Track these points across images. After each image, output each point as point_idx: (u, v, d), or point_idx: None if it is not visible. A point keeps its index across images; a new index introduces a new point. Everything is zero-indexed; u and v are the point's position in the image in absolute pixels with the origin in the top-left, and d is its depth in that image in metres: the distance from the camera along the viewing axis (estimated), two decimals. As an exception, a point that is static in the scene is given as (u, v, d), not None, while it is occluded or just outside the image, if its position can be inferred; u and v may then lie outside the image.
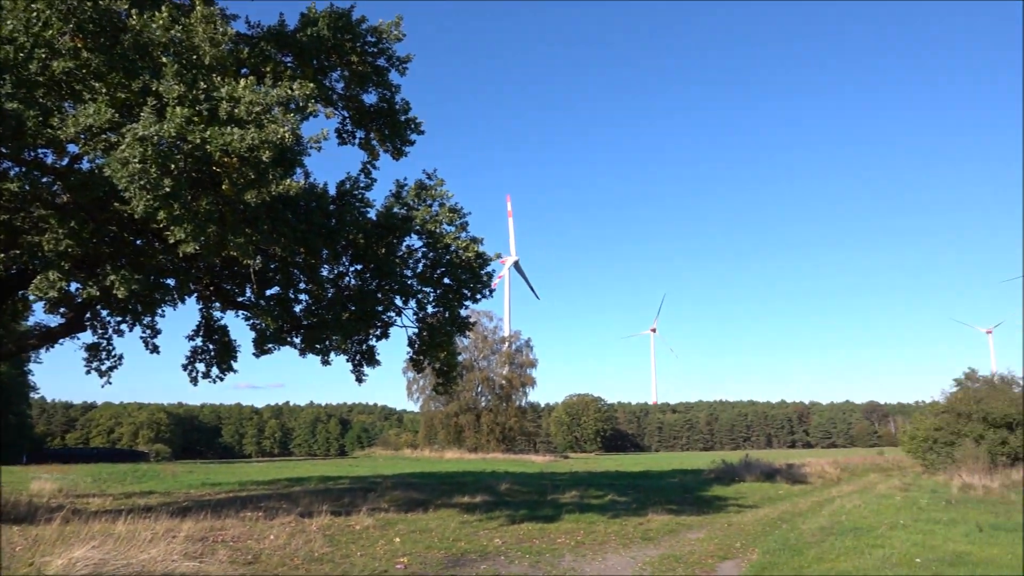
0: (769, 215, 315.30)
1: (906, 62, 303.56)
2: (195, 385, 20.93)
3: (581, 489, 28.11)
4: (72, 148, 13.90)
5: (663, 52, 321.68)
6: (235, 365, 20.61)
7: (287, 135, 11.35)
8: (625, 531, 17.30)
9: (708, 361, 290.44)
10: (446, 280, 19.59)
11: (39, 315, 20.76)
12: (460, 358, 22.61)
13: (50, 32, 11.64)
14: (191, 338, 20.77)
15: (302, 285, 19.17)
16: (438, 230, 18.96)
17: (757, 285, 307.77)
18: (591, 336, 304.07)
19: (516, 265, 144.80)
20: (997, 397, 35.45)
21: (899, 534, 14.77)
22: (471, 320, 21.71)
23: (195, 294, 19.66)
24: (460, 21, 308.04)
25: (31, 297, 19.03)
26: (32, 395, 79.03)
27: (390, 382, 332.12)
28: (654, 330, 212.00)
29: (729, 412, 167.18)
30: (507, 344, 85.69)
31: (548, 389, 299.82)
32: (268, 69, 16.01)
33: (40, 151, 14.28)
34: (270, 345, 18.88)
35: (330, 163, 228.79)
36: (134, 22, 11.97)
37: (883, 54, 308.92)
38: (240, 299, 20.02)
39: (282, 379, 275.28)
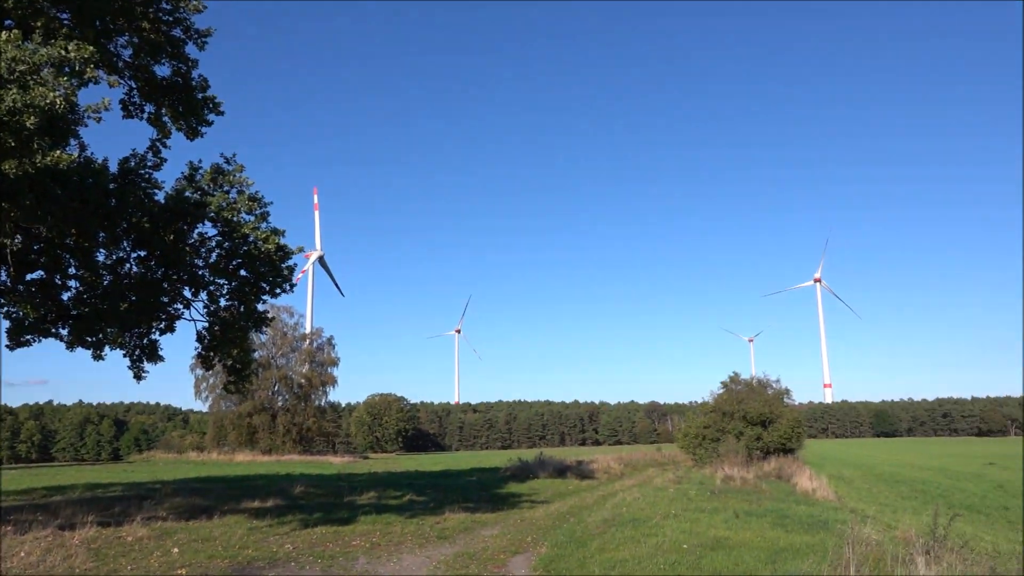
0: (566, 221, 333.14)
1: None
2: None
3: (379, 490, 27.77)
4: None
5: (489, 41, 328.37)
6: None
7: (59, 100, 10.07)
8: (422, 531, 17.32)
9: (509, 363, 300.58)
10: (242, 272, 18.46)
11: None
12: (256, 355, 21.37)
13: None
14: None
15: (72, 271, 17.13)
16: (235, 218, 17.82)
17: (557, 291, 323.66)
18: (396, 335, 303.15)
19: (321, 260, 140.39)
20: (755, 398, 40.02)
21: (671, 523, 16.12)
22: (269, 315, 20.67)
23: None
24: (278, 5, 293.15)
25: None
26: None
27: (174, 380, 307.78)
28: (459, 331, 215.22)
29: (527, 412, 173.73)
30: (308, 341, 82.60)
31: (350, 388, 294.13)
32: (39, 24, 14.11)
33: None
34: (28, 336, 16.65)
35: (115, 139, 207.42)
36: None
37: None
38: (-8, 283, 17.48)
39: (45, 375, 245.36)
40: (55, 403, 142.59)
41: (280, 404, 78.87)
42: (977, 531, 18.19)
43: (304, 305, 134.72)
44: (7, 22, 14.19)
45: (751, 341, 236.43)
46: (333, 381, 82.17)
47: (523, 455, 50.44)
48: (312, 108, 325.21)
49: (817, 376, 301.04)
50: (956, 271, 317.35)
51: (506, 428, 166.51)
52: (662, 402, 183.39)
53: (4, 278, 16.73)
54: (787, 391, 43.11)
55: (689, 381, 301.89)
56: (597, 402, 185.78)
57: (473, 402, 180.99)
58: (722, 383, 43.46)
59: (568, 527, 17.71)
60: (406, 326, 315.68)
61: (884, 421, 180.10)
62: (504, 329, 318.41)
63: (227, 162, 18.14)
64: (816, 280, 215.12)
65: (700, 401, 50.02)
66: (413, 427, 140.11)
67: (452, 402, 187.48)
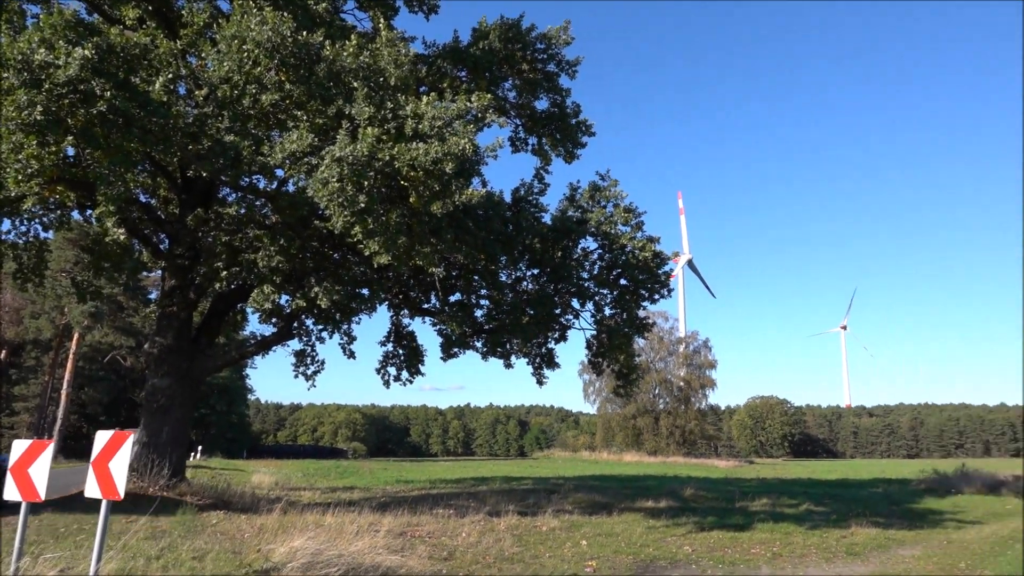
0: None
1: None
2: (387, 388, 22.34)
3: (772, 497, 26.65)
4: (279, 172, 15.28)
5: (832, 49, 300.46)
6: (422, 368, 21.70)
7: (467, 146, 11.74)
8: (826, 544, 16.11)
9: (907, 360, 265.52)
10: (623, 281, 19.39)
11: (253, 325, 23.16)
12: (637, 360, 22.25)
13: (258, 69, 12.88)
14: (383, 344, 22.13)
15: (483, 291, 19.80)
16: (613, 231, 18.83)
17: (953, 275, 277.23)
18: (773, 335, 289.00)
19: (690, 263, 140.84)
20: None
21: None
22: (649, 321, 21.32)
23: (386, 303, 20.94)
24: (624, 19, 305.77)
25: (248, 309, 21.22)
26: (249, 397, 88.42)
27: (565, 384, 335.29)
28: (844, 327, 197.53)
29: (937, 416, 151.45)
30: (684, 345, 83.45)
31: (729, 391, 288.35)
32: (445, 85, 16.74)
33: (254, 177, 15.84)
34: (456, 349, 19.65)
35: (504, 171, 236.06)
36: (327, 52, 12.95)
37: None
38: (426, 306, 21.06)
39: (462, 381, 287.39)
40: (472, 405, 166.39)
41: (661, 407, 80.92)
42: None
43: (676, 309, 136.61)
44: (422, 88, 17.10)
45: None
46: (712, 384, 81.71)
47: (937, 466, 44.01)
48: (674, 116, 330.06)
49: None
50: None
51: (911, 434, 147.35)
52: None
53: (435, 302, 20.07)
54: None
55: None
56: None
57: (868, 405, 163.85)
58: None
59: (1014, 554, 14.88)
60: (783, 325, 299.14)
61: None
62: (899, 322, 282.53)
63: (602, 179, 19.30)
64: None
65: None
66: (799, 431, 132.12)
67: (841, 404, 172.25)
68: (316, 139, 12.61)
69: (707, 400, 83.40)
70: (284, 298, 19.38)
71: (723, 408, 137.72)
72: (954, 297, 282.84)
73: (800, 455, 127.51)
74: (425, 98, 12.46)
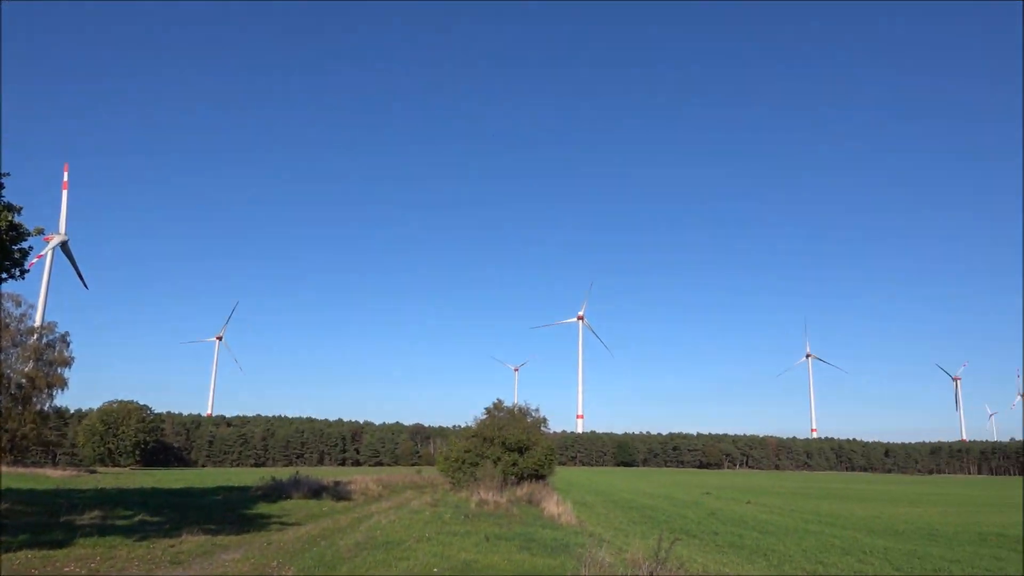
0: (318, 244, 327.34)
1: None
2: None
3: (106, 508, 24.89)
4: None
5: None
6: None
7: None
8: (152, 555, 15.76)
9: (273, 376, 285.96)
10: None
11: None
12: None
13: None
14: None
15: None
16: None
17: (326, 306, 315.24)
18: (147, 338, 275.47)
19: (64, 246, 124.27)
20: (515, 425, 41.81)
21: (424, 546, 16.22)
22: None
23: None
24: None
25: None
26: None
27: None
28: (220, 338, 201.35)
29: (286, 428, 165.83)
30: (36, 336, 72.27)
31: (86, 393, 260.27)
32: None
33: None
34: None
35: None
36: None
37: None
38: None
39: None
40: None
41: (-10, 406, 67.84)
42: (692, 554, 20.40)
43: (37, 295, 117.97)
44: None
45: (516, 370, 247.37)
46: (63, 383, 72.46)
47: (278, 474, 48.05)
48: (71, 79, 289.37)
49: (573, 407, 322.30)
50: (698, 315, 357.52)
51: (262, 444, 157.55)
52: (427, 425, 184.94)
53: None
54: (545, 420, 45.60)
55: (456, 406, 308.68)
56: (362, 421, 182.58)
57: (229, 415, 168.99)
58: (486, 409, 44.87)
59: (318, 550, 17.11)
60: (161, 329, 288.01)
61: (625, 451, 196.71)
62: (269, 340, 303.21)
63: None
64: (579, 317, 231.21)
65: (464, 425, 51.20)
66: (155, 439, 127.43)
67: (203, 414, 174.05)
68: None
69: (52, 401, 73.55)
70: None
71: (72, 412, 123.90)
72: (321, 319, 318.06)
73: (151, 464, 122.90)
74: None
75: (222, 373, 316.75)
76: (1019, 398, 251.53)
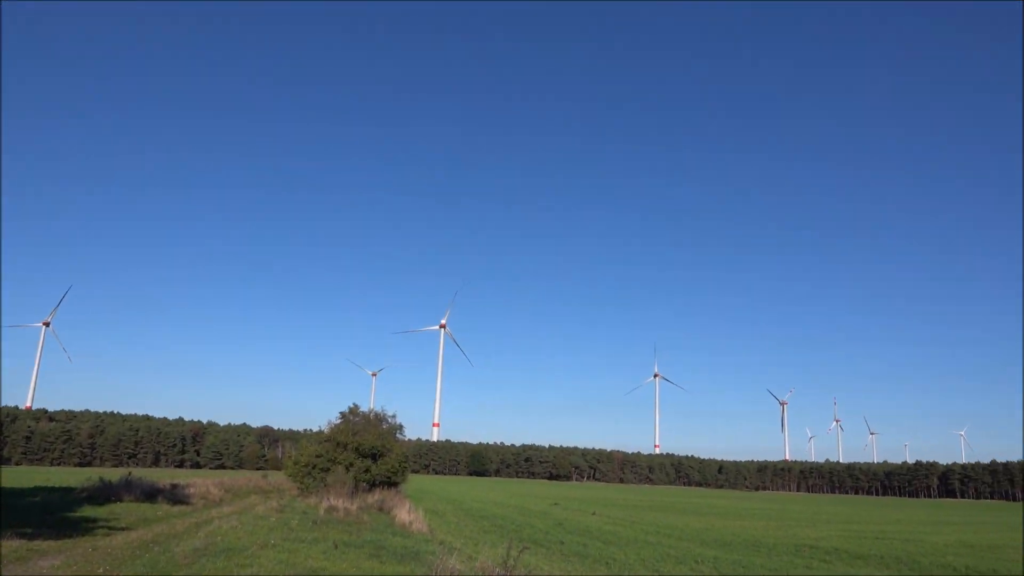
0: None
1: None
2: None
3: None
4: None
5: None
6: None
7: None
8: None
9: (106, 368, 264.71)
10: None
11: None
12: None
13: None
14: None
15: None
16: None
17: (167, 295, 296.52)
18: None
19: None
20: (370, 431, 41.17)
21: (268, 553, 15.63)
22: None
23: None
24: None
25: None
26: None
27: None
28: (47, 324, 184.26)
29: (119, 425, 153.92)
30: None
31: None
32: None
33: None
34: None
35: None
36: None
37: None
38: None
39: None
40: None
41: None
42: (539, 562, 20.97)
43: None
44: None
45: (375, 375, 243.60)
46: None
47: (106, 474, 44.52)
48: None
49: (430, 415, 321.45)
50: (557, 331, 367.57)
51: (89, 442, 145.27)
52: (276, 427, 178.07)
53: None
54: (401, 427, 45.24)
55: (309, 409, 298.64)
56: (204, 421, 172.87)
57: (52, 409, 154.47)
58: (340, 413, 43.91)
59: (151, 557, 16.07)
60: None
61: (478, 461, 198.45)
62: (106, 329, 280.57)
63: None
64: (442, 326, 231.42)
65: (317, 429, 49.82)
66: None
67: (23, 406, 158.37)
68: None
69: None
70: None
71: None
72: (161, 307, 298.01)
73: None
74: None
75: (47, 362, 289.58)
76: (835, 423, 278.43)
